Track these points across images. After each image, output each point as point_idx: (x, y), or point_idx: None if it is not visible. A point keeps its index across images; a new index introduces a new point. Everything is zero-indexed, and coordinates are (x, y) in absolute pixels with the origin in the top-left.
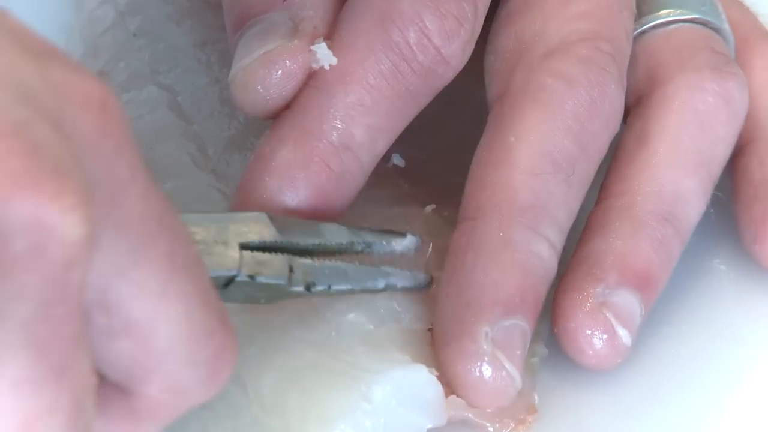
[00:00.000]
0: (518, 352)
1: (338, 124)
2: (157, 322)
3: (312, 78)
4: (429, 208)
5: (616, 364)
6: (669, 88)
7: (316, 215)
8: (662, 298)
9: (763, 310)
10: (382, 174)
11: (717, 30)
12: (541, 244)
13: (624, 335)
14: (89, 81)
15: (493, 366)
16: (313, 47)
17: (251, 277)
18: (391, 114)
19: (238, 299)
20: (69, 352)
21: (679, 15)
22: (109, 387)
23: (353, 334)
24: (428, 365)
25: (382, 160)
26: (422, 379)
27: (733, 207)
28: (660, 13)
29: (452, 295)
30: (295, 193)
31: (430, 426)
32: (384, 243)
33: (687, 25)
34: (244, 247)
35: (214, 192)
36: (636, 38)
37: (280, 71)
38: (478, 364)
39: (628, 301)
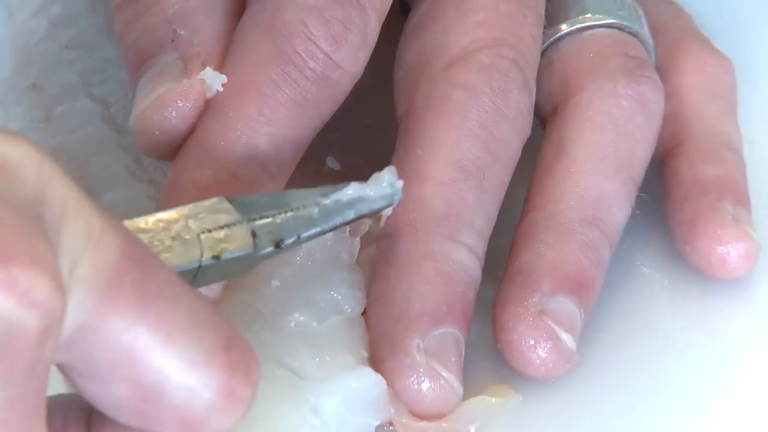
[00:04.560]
0: (453, 359)
1: (240, 135)
2: (140, 356)
3: (210, 101)
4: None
5: (564, 370)
6: (583, 96)
7: None
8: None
9: (692, 310)
10: (317, 176)
11: (634, 34)
12: (460, 252)
13: (568, 339)
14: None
15: (429, 376)
16: (200, 76)
17: (216, 257)
18: (292, 122)
19: (211, 280)
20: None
21: (593, 21)
22: None
23: (298, 336)
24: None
25: (317, 163)
26: (369, 381)
27: (664, 209)
28: (575, 18)
29: (380, 313)
30: None
31: (377, 423)
32: (356, 193)
33: (602, 30)
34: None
35: (153, 203)
36: (551, 46)
37: (174, 112)
38: (415, 376)
39: (566, 306)
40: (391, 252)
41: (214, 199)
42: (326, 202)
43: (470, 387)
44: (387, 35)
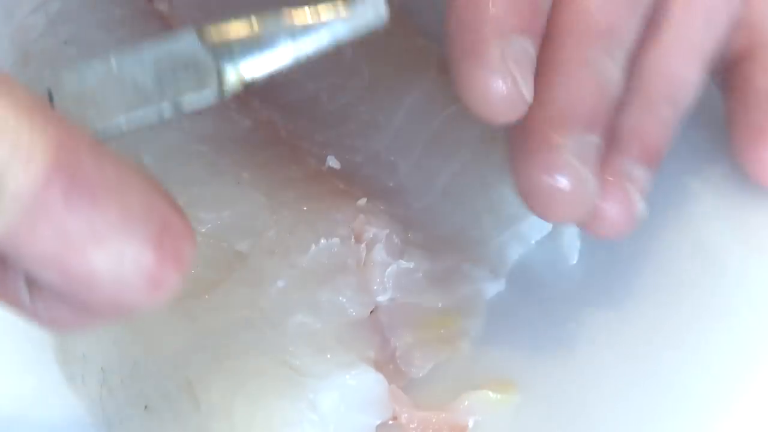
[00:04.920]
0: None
1: None
2: (68, 253)
3: None
4: (362, 201)
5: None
6: None
7: None
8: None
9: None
10: (317, 175)
11: None
12: (614, 69)
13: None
14: None
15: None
16: None
17: (176, 104)
18: None
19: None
20: None
21: None
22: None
23: (300, 336)
24: (375, 353)
25: (317, 162)
26: (368, 378)
27: (727, 115)
28: None
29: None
30: None
31: (378, 422)
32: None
33: None
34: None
35: None
36: None
37: None
38: (560, 173)
39: (643, 174)
40: (552, 52)
41: (185, 34)
42: (308, 22)
43: (472, 381)
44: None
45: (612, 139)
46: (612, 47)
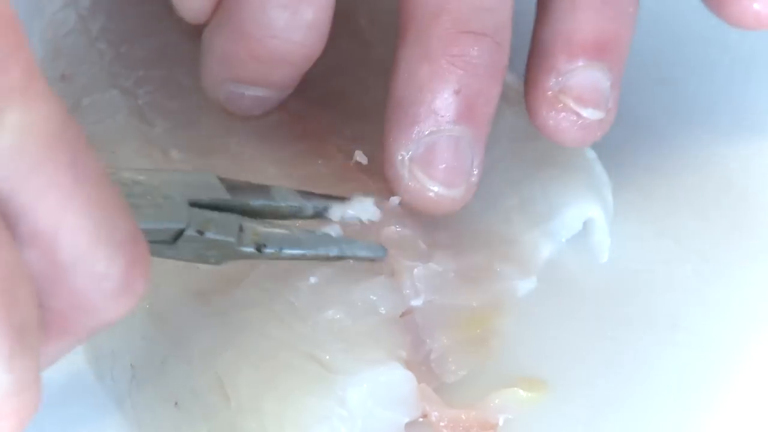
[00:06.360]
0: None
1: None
2: (61, 232)
3: None
4: (395, 200)
5: (596, 137)
6: None
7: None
8: None
9: None
10: (345, 170)
11: None
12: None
13: (590, 113)
14: None
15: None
16: None
17: (200, 232)
18: None
19: (188, 256)
20: None
21: None
22: None
23: (331, 332)
24: (407, 354)
25: (345, 157)
26: (397, 375)
27: None
28: None
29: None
30: (236, 75)
31: (407, 420)
32: (338, 206)
33: None
34: (193, 204)
35: None
36: None
37: None
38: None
39: (586, 76)
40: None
41: (207, 174)
42: (316, 232)
43: (503, 379)
44: None
45: (540, 56)
46: (460, 20)
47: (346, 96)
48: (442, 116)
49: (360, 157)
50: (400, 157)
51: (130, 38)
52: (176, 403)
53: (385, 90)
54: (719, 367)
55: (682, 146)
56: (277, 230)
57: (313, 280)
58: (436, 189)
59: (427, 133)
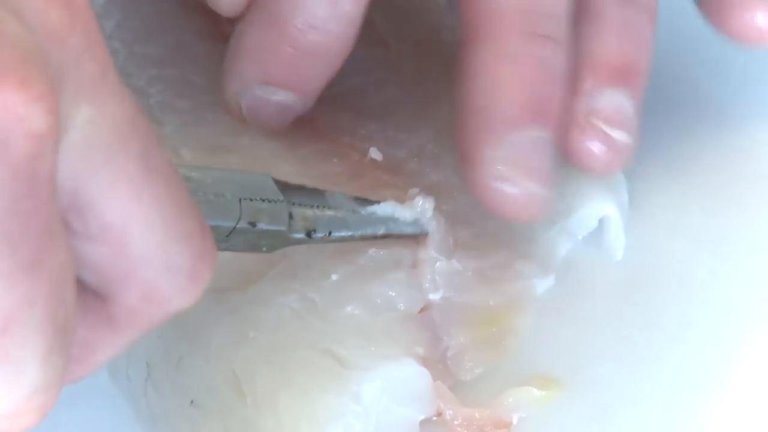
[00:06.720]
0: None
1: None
2: (132, 225)
3: None
4: (414, 191)
5: (624, 162)
6: None
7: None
8: None
9: None
10: (359, 167)
11: None
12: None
13: (619, 135)
14: None
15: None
16: None
17: (251, 224)
18: None
19: (240, 248)
20: (42, 245)
21: None
22: (89, 293)
23: (349, 328)
24: (424, 351)
25: (360, 154)
26: (411, 372)
27: None
28: None
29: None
30: (267, 72)
31: (421, 417)
32: (389, 211)
33: None
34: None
35: None
36: None
37: None
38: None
39: (613, 99)
40: (470, 57)
41: (262, 174)
42: (362, 211)
43: (517, 377)
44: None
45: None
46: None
47: (360, 95)
48: (528, 116)
49: (375, 153)
50: (486, 159)
51: (143, 37)
52: (192, 401)
53: (401, 91)
54: (733, 366)
55: (696, 145)
56: (325, 213)
57: (334, 277)
58: (525, 190)
59: (515, 133)
